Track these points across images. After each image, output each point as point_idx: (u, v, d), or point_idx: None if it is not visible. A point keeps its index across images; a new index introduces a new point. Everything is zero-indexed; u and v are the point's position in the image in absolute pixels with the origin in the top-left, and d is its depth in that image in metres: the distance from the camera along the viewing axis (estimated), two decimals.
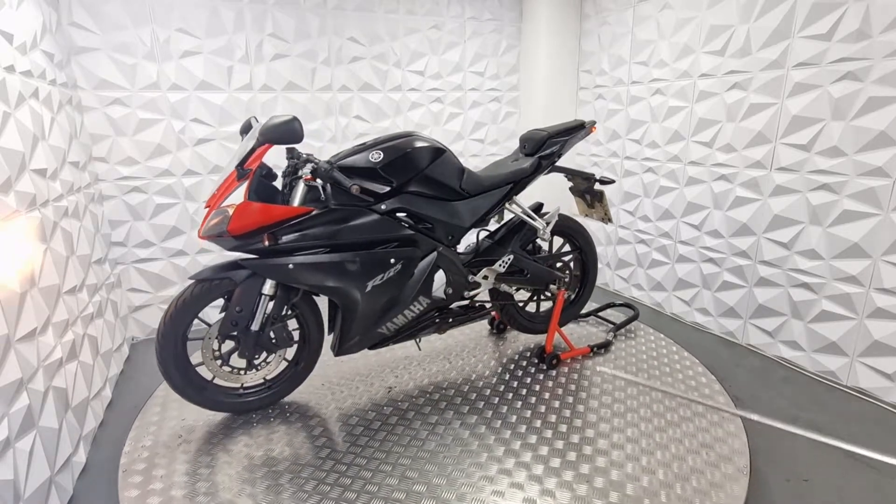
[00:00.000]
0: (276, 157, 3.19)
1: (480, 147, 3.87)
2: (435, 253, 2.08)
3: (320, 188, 1.88)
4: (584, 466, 1.70)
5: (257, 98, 3.08)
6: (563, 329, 2.74)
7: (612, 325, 2.79)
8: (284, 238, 1.78)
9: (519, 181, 2.24)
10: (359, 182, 1.87)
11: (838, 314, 2.35)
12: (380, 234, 1.94)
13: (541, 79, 3.68)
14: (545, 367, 2.36)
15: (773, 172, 2.53)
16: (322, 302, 2.16)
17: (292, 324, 2.02)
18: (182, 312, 1.79)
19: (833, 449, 1.96)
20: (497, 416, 1.99)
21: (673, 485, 1.61)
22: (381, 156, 1.91)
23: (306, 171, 1.79)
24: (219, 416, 2.04)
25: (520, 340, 2.69)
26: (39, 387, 1.63)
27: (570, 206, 4.07)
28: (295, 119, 1.66)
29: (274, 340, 1.92)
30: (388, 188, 1.94)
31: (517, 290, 2.44)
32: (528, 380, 2.27)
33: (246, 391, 2.03)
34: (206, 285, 1.81)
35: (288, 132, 1.66)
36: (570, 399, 2.11)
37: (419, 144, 1.98)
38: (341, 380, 2.32)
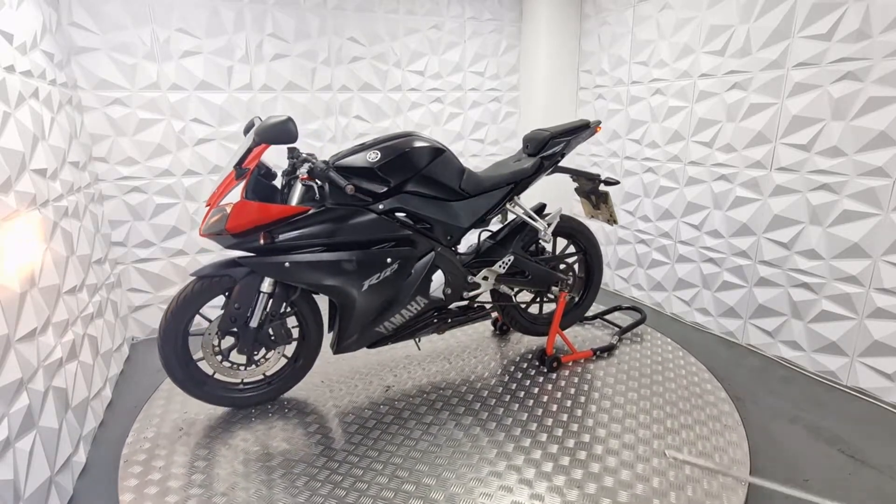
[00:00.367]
0: (278, 157, 3.19)
1: (480, 147, 3.87)
2: (432, 253, 2.08)
3: (317, 188, 1.90)
4: (577, 472, 1.67)
5: (257, 98, 3.09)
6: (567, 332, 2.73)
7: (617, 329, 2.76)
8: (281, 237, 1.81)
9: (520, 182, 2.24)
10: (355, 182, 1.89)
11: (838, 314, 2.35)
12: (376, 234, 1.94)
13: (541, 79, 3.68)
14: (545, 370, 2.34)
15: (773, 172, 2.53)
16: (322, 300, 2.17)
17: (292, 321, 2.05)
18: (183, 308, 1.83)
19: (833, 449, 1.96)
20: (492, 418, 1.98)
21: (667, 493, 1.57)
22: (379, 156, 1.92)
23: (303, 170, 1.81)
24: (219, 411, 2.08)
25: (522, 342, 2.67)
26: (39, 387, 1.63)
27: (573, 208, 4.08)
28: (289, 119, 1.68)
29: (273, 337, 1.96)
30: (385, 188, 1.94)
31: (519, 291, 2.43)
32: (528, 382, 2.25)
33: (246, 386, 2.07)
34: (207, 282, 1.85)
35: (283, 132, 1.68)
36: (569, 403, 2.09)
37: (417, 144, 1.98)
38: (340, 378, 2.34)
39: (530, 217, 2.31)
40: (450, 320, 2.22)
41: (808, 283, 2.46)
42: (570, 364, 2.42)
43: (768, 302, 2.65)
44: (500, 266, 2.26)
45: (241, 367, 1.99)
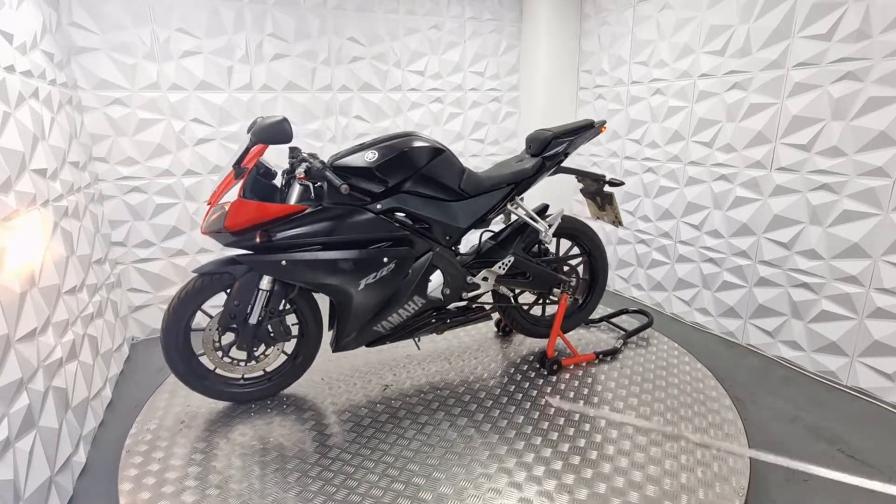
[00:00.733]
0: (281, 157, 3.19)
1: (480, 147, 3.88)
2: (430, 253, 2.08)
3: (314, 187, 1.92)
4: (569, 476, 1.64)
5: (257, 98, 3.09)
6: (571, 334, 2.70)
7: (623, 332, 2.71)
8: (279, 235, 1.83)
9: (520, 182, 2.23)
10: (353, 182, 1.91)
11: (838, 314, 2.35)
12: (373, 234, 1.95)
13: (541, 79, 3.68)
14: (546, 373, 2.32)
15: (773, 172, 2.54)
16: (322, 298, 2.18)
17: (291, 318, 2.08)
18: (184, 304, 1.87)
19: (833, 449, 1.96)
20: (488, 419, 1.97)
21: (661, 502, 1.54)
22: (376, 156, 1.93)
23: (300, 170, 1.83)
24: (220, 405, 2.12)
25: (525, 344, 2.64)
26: (39, 387, 1.63)
27: (573, 208, 4.08)
28: (284, 120, 1.71)
29: (272, 334, 1.99)
30: (382, 188, 1.95)
31: (521, 293, 2.42)
32: (527, 385, 2.23)
33: (246, 382, 2.10)
34: (208, 279, 1.88)
35: (278, 132, 1.71)
36: (566, 406, 2.06)
37: (415, 145, 1.98)
38: (340, 376, 2.35)
39: (531, 218, 2.29)
40: (448, 321, 2.22)
41: (808, 283, 2.46)
42: (571, 367, 2.38)
43: (768, 302, 2.65)
44: (499, 267, 2.24)
45: (241, 363, 2.02)
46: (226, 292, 1.93)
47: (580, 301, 2.62)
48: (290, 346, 2.17)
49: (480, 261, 2.25)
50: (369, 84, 3.39)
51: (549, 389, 2.19)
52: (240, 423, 1.99)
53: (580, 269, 2.58)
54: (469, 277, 2.19)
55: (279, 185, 1.94)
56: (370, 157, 1.92)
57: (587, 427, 1.91)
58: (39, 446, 1.58)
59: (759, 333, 2.74)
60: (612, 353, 2.48)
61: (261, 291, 1.91)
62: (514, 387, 2.21)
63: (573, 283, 2.46)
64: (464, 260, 2.23)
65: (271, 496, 1.58)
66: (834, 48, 2.20)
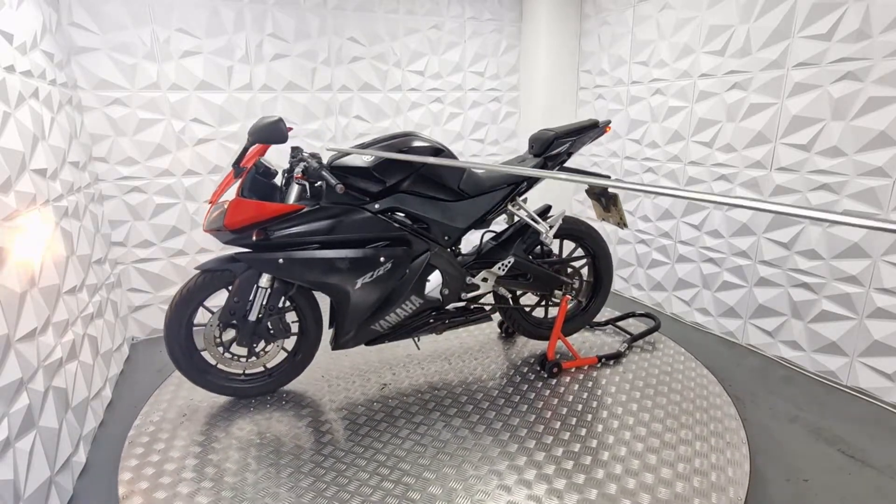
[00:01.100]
0: (284, 157, 3.19)
1: (480, 147, 3.87)
2: (428, 253, 2.07)
3: (314, 186, 1.95)
4: (560, 481, 1.62)
5: (257, 98, 3.08)
6: (575, 337, 2.67)
7: (628, 336, 2.67)
8: (277, 234, 1.86)
9: (521, 183, 2.23)
10: (352, 181, 1.93)
11: (838, 314, 2.35)
12: (370, 233, 1.96)
13: (541, 79, 3.68)
14: (545, 376, 2.30)
15: (773, 172, 2.53)
16: (323, 297, 2.18)
17: (291, 316, 2.11)
18: (186, 300, 1.92)
19: (833, 449, 1.96)
20: (483, 421, 1.96)
21: None
22: (373, 156, 1.93)
23: (298, 170, 1.87)
24: (222, 399, 2.16)
25: (527, 347, 2.62)
26: (39, 387, 1.63)
27: (573, 208, 4.08)
28: (279, 120, 1.74)
29: (271, 331, 2.02)
30: (380, 188, 1.96)
31: (523, 294, 2.41)
32: (526, 387, 2.21)
33: (247, 378, 2.14)
34: (209, 276, 1.93)
35: (273, 132, 1.74)
36: (564, 410, 2.03)
37: (413, 145, 1.98)
38: (340, 374, 2.36)
39: (532, 219, 2.28)
40: (447, 321, 2.21)
41: (808, 283, 2.46)
42: (572, 370, 2.35)
43: (768, 302, 2.65)
44: (499, 268, 2.23)
45: (241, 359, 2.06)
46: (227, 289, 1.96)
47: (584, 303, 2.58)
48: (290, 344, 2.20)
49: (481, 261, 2.24)
50: (369, 84, 3.39)
51: (547, 392, 2.16)
52: (239, 417, 2.02)
53: (584, 271, 2.55)
54: (468, 278, 2.19)
55: (279, 185, 1.96)
56: (368, 157, 1.93)
57: (583, 432, 1.89)
58: (39, 446, 1.58)
59: (759, 333, 2.74)
60: (616, 357, 2.44)
61: (260, 289, 1.94)
62: (512, 389, 2.20)
63: (575, 286, 2.44)
64: (464, 260, 2.22)
65: (264, 490, 1.61)
66: (834, 48, 2.20)
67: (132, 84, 2.77)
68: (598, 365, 2.40)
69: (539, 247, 2.38)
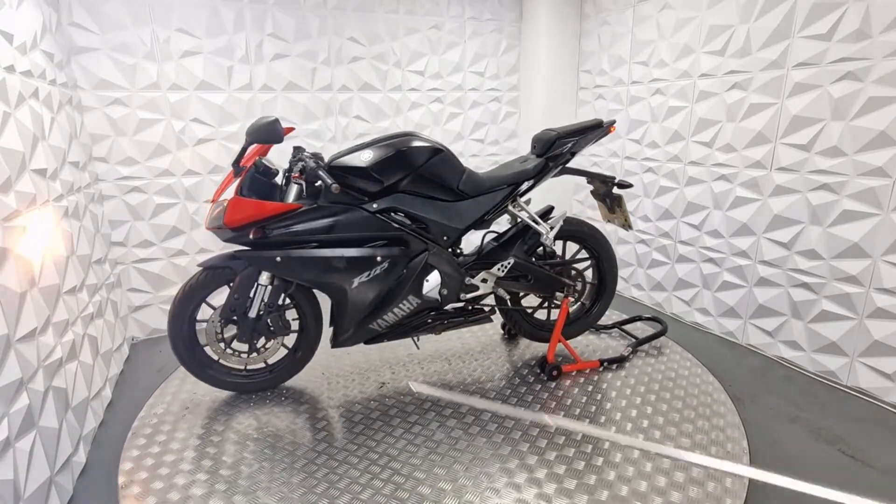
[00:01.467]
0: (287, 157, 3.19)
1: (480, 147, 3.87)
2: (426, 253, 2.07)
3: (314, 186, 1.97)
4: (551, 486, 1.60)
5: (257, 98, 3.08)
6: (579, 340, 2.64)
7: (634, 340, 2.62)
8: (274, 232, 1.89)
9: (521, 183, 2.22)
10: (350, 181, 1.95)
11: (838, 314, 2.35)
12: (367, 232, 1.97)
13: (541, 79, 3.68)
14: (545, 379, 2.28)
15: (773, 172, 2.53)
16: (323, 294, 2.19)
17: (292, 313, 2.15)
18: (189, 296, 1.96)
19: (833, 449, 1.96)
20: (477, 423, 1.95)
21: None
22: (371, 156, 1.93)
23: (296, 169, 1.90)
24: (224, 394, 2.20)
25: (530, 349, 2.58)
26: (39, 387, 1.63)
27: (573, 208, 4.08)
28: (275, 120, 1.76)
29: (271, 328, 2.06)
30: (378, 187, 1.96)
31: (524, 295, 2.39)
32: (524, 389, 2.19)
33: (248, 373, 2.18)
34: (211, 273, 1.97)
35: (269, 132, 1.76)
36: (561, 414, 2.01)
37: (411, 144, 1.99)
38: (341, 371, 2.38)
39: (533, 220, 2.26)
40: (446, 321, 2.21)
41: (808, 283, 2.46)
42: (573, 374, 2.32)
43: (768, 302, 2.65)
44: (498, 269, 2.22)
45: (242, 355, 2.09)
46: (228, 286, 2.00)
47: (587, 306, 2.55)
48: (290, 341, 2.23)
49: (481, 262, 2.23)
50: (369, 84, 3.39)
51: (545, 396, 2.14)
52: (239, 412, 2.06)
53: (588, 273, 2.51)
54: (467, 279, 2.18)
55: (280, 184, 1.97)
56: (366, 156, 1.94)
57: (578, 436, 1.86)
58: (39, 446, 1.58)
59: (759, 333, 2.74)
60: (619, 361, 2.40)
61: (260, 286, 1.98)
62: (510, 391, 2.18)
63: (578, 288, 2.42)
64: (465, 261, 2.22)
65: (256, 483, 1.64)
66: (834, 48, 2.20)
67: (132, 84, 2.77)
68: (601, 369, 2.36)
69: (542, 248, 2.36)
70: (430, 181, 2.05)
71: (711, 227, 2.91)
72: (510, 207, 2.27)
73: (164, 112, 2.87)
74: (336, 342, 2.09)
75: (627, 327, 2.80)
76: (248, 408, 2.08)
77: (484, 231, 2.33)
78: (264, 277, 1.97)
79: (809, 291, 2.46)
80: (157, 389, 2.24)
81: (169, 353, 2.87)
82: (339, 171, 1.94)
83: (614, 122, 2.30)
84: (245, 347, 2.09)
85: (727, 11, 2.63)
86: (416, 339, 2.23)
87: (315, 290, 2.13)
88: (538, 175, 2.23)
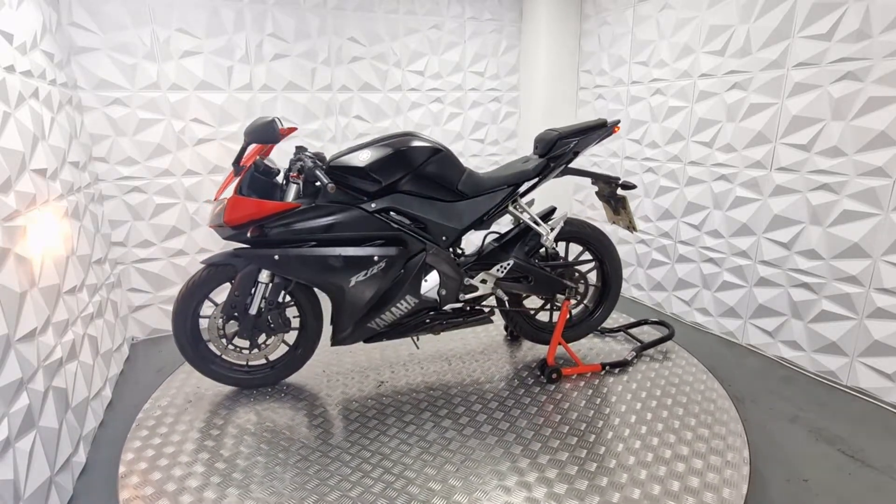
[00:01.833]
0: (285, 156, 3.19)
1: (480, 147, 3.87)
2: (424, 253, 2.07)
3: (310, 185, 1.98)
4: (541, 490, 1.57)
5: (257, 98, 3.08)
6: (582, 343, 2.60)
7: (639, 344, 2.55)
8: (274, 231, 1.91)
9: (521, 184, 2.21)
10: (349, 181, 1.96)
11: (838, 314, 2.35)
12: (365, 232, 1.98)
13: (541, 79, 3.68)
14: (544, 381, 2.24)
15: (773, 172, 2.54)
16: (324, 293, 2.20)
17: (293, 311, 2.18)
18: (192, 293, 2.00)
19: (833, 449, 1.96)
20: (472, 424, 1.94)
21: None
22: (369, 155, 1.94)
23: (295, 169, 1.92)
24: (226, 389, 2.23)
25: (532, 351, 2.55)
26: (39, 387, 1.63)
27: (572, 208, 4.08)
28: (272, 120, 1.78)
29: (271, 325, 2.08)
30: (376, 187, 1.96)
31: (526, 297, 2.38)
32: (522, 392, 2.16)
33: (251, 369, 2.21)
34: (214, 270, 2.00)
35: (266, 132, 1.78)
36: (558, 417, 1.96)
37: (410, 144, 1.99)
38: (341, 369, 2.39)
39: (534, 221, 2.25)
40: (444, 322, 2.20)
41: (808, 283, 2.46)
42: (573, 377, 2.27)
43: (768, 302, 2.65)
44: (497, 270, 2.21)
45: (244, 351, 2.12)
46: (230, 283, 2.03)
47: (591, 308, 2.51)
48: (292, 338, 2.26)
49: (481, 263, 2.22)
50: (369, 84, 3.39)
51: (543, 399, 2.10)
52: (239, 406, 2.09)
53: (592, 275, 2.48)
54: (467, 279, 2.18)
55: (280, 183, 1.99)
56: (364, 156, 1.95)
57: (574, 440, 1.82)
58: (39, 446, 1.58)
59: (759, 333, 2.74)
60: (621, 366, 2.34)
61: (260, 284, 2.00)
62: (508, 393, 2.15)
63: (580, 290, 2.39)
64: (465, 261, 2.21)
65: (250, 477, 1.67)
66: (834, 48, 2.20)
67: (132, 84, 2.77)
68: (602, 373, 2.31)
69: (544, 249, 2.33)
70: (429, 181, 2.04)
71: (711, 227, 2.91)
72: (511, 208, 2.25)
73: (164, 112, 2.87)
74: (335, 340, 2.10)
75: (634, 331, 2.73)
76: (248, 403, 2.11)
77: (485, 232, 2.32)
78: (265, 275, 1.99)
79: (809, 291, 2.46)
80: (164, 382, 2.29)
81: (169, 352, 2.87)
82: (338, 171, 1.95)
83: (618, 122, 2.26)
84: (246, 344, 2.12)
85: (727, 11, 2.63)
86: (415, 338, 2.23)
87: (315, 289, 2.14)
88: (539, 175, 2.22)
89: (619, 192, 2.38)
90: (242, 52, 2.98)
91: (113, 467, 1.88)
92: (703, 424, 1.90)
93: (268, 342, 2.15)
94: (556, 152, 2.21)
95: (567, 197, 4.03)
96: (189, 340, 2.05)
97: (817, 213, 2.37)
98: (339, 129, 3.38)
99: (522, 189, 2.27)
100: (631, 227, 2.40)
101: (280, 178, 2.04)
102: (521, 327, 2.42)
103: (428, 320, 2.18)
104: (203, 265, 2.02)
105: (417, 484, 1.62)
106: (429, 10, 3.46)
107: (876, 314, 2.21)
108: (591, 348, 2.57)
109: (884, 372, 2.22)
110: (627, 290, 3.65)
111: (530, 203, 2.31)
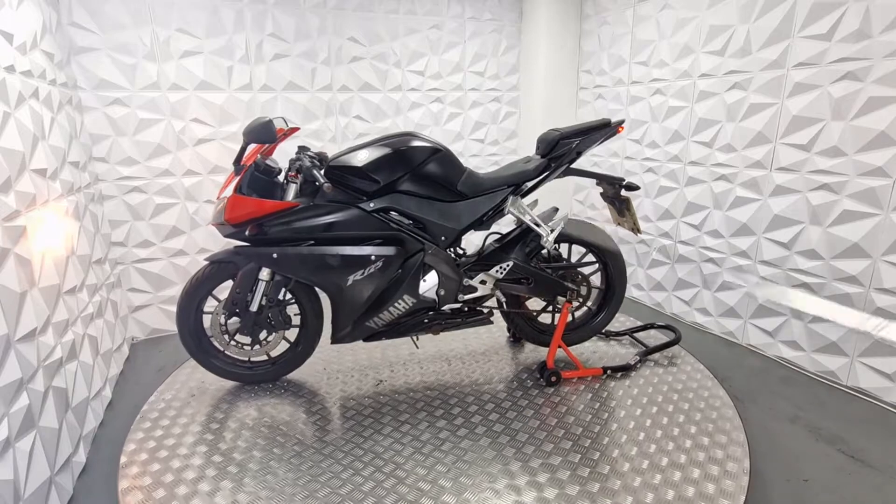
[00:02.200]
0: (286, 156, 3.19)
1: (480, 147, 3.87)
2: (422, 253, 2.07)
3: (309, 184, 1.99)
4: (531, 493, 1.55)
5: (257, 98, 3.08)
6: (585, 346, 2.56)
7: (644, 348, 2.49)
8: (273, 229, 1.92)
9: (521, 184, 2.20)
10: (348, 180, 1.96)
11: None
12: (363, 231, 1.98)
13: (541, 79, 3.68)
14: (543, 384, 2.21)
15: (773, 172, 2.54)
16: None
17: (294, 308, 2.19)
18: (196, 289, 2.03)
19: (833, 449, 1.96)
20: (467, 425, 1.92)
21: None
22: (367, 156, 1.94)
23: (294, 168, 1.93)
24: (228, 384, 2.25)
25: (534, 354, 2.51)
26: (39, 387, 1.63)
27: (574, 210, 4.08)
28: (270, 121, 1.80)
29: (271, 322, 2.11)
30: (375, 187, 1.97)
31: (528, 298, 2.37)
32: (520, 394, 2.13)
33: (252, 365, 2.24)
34: (216, 267, 2.03)
35: (263, 132, 1.80)
36: (554, 421, 1.93)
37: (409, 144, 1.99)
38: (342, 367, 2.41)
39: (534, 222, 2.22)
40: (443, 322, 2.20)
41: (808, 283, 2.46)
42: (573, 381, 2.23)
43: (769, 302, 2.65)
44: (497, 271, 2.20)
45: (245, 347, 2.15)
46: (232, 280, 2.05)
47: (594, 310, 2.48)
48: (293, 335, 2.27)
49: (481, 263, 2.21)
50: (369, 84, 3.39)
51: (541, 402, 2.07)
52: (240, 401, 2.12)
53: (595, 277, 2.45)
54: (466, 280, 2.17)
55: (282, 183, 2.01)
56: (362, 156, 1.96)
57: (568, 445, 1.79)
58: (39, 446, 1.58)
59: (759, 333, 2.74)
60: (624, 370, 2.29)
61: (260, 281, 2.02)
62: (505, 395, 2.13)
63: (582, 293, 2.37)
64: (466, 262, 2.21)
65: (244, 472, 1.69)
66: (834, 48, 2.20)
67: (132, 84, 2.77)
68: (604, 377, 2.27)
69: (545, 251, 2.30)
70: (428, 181, 2.04)
71: (711, 226, 2.91)
72: (511, 209, 2.24)
73: (164, 112, 2.87)
74: (335, 338, 2.11)
75: (640, 335, 2.67)
76: (249, 398, 2.14)
77: (487, 232, 2.31)
78: (265, 273, 2.01)
79: (809, 291, 2.46)
80: (170, 377, 2.32)
81: (169, 352, 2.87)
82: (337, 171, 1.95)
83: (622, 122, 2.22)
84: (248, 340, 2.16)
85: (727, 11, 2.63)
86: (415, 338, 2.23)
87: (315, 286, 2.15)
88: (540, 175, 2.21)
89: (623, 193, 2.35)
90: (242, 52, 2.98)
91: (113, 467, 1.88)
92: (704, 433, 1.84)
93: (269, 339, 2.18)
94: (557, 152, 2.20)
95: (567, 197, 4.03)
96: (192, 336, 2.08)
97: (817, 213, 2.37)
98: (339, 129, 3.38)
99: (523, 189, 2.27)
100: (635, 229, 2.37)
101: (281, 178, 2.04)
102: (522, 329, 2.40)
103: (426, 320, 2.18)
104: (206, 262, 2.05)
105: (407, 483, 1.62)
106: (429, 10, 3.46)
107: (876, 314, 2.21)
108: (594, 351, 2.52)
109: (884, 372, 2.22)
110: (627, 290, 3.64)
111: (533, 204, 2.28)
